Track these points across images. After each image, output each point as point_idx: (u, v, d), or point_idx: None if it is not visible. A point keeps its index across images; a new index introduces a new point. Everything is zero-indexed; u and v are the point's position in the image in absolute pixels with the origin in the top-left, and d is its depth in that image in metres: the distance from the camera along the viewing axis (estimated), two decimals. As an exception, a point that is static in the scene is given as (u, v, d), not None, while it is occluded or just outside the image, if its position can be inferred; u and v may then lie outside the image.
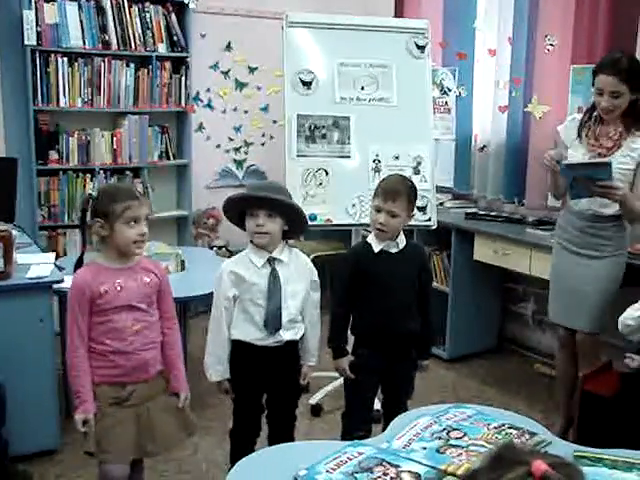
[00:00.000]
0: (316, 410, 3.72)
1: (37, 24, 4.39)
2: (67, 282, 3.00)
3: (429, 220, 4.03)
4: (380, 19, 4.39)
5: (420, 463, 1.80)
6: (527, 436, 1.98)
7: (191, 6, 4.92)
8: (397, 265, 2.72)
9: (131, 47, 4.76)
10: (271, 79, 5.32)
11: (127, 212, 2.31)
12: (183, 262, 3.74)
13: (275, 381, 2.67)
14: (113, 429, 2.35)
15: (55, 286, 3.11)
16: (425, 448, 1.89)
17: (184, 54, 4.98)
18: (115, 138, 4.83)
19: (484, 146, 4.75)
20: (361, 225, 3.85)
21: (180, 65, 5.00)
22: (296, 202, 2.76)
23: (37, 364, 3.05)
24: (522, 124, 4.47)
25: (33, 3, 4.38)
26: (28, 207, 4.51)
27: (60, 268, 3.25)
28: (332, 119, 3.92)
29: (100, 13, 4.65)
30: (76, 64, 4.60)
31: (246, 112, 5.49)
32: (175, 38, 4.93)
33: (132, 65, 4.80)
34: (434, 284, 4.54)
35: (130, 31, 4.75)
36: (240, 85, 5.45)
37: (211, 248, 5.16)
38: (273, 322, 2.58)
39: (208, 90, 5.33)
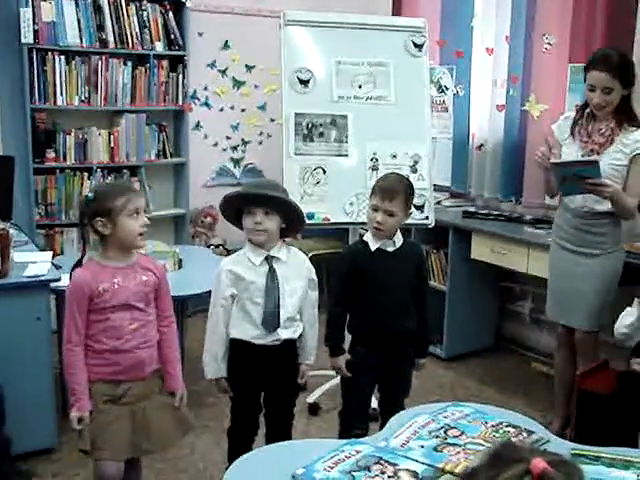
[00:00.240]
0: (314, 409, 3.72)
1: (34, 22, 4.38)
2: (64, 281, 3.00)
3: (427, 219, 4.03)
4: (378, 17, 4.38)
5: (418, 461, 1.80)
6: (525, 434, 1.98)
7: (188, 4, 4.91)
8: (394, 264, 2.72)
9: (128, 45, 4.75)
10: (268, 77, 5.31)
11: (128, 205, 2.33)
12: (180, 261, 3.74)
13: (273, 380, 2.66)
14: (108, 427, 2.35)
15: (52, 285, 3.10)
16: (423, 446, 1.89)
17: (181, 52, 4.97)
18: (112, 136, 4.82)
19: (482, 145, 4.75)
20: (359, 224, 3.85)
21: (177, 63, 5.00)
22: (293, 200, 2.76)
23: (34, 363, 3.04)
24: (519, 123, 4.48)
25: (30, 1, 4.36)
26: (25, 205, 4.50)
27: (57, 266, 3.25)
28: (330, 117, 3.92)
29: (97, 11, 4.64)
30: (73, 62, 4.59)
31: (243, 110, 5.49)
32: (172, 36, 4.92)
33: (129, 63, 4.78)
34: (431, 283, 4.56)
35: (127, 29, 4.74)
36: (237, 83, 5.44)
37: (208, 247, 5.15)
38: (271, 320, 2.58)
39: (205, 88, 5.32)
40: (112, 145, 4.82)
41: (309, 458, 1.80)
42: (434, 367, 4.40)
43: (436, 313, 4.49)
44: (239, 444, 2.64)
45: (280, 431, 2.70)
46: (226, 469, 1.92)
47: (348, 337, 2.84)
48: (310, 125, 3.89)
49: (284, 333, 2.62)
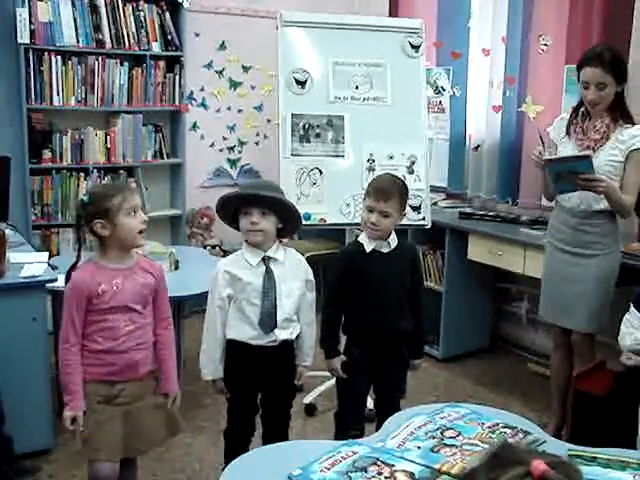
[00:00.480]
0: (310, 410, 3.72)
1: (30, 22, 4.37)
2: (60, 281, 2.99)
3: (423, 219, 4.03)
4: (374, 19, 4.38)
5: (414, 462, 1.81)
6: (521, 435, 1.99)
7: (185, 5, 4.91)
8: (389, 264, 2.72)
9: (125, 46, 4.74)
10: (265, 78, 5.32)
11: (125, 203, 2.32)
12: (177, 261, 3.73)
13: (270, 381, 2.66)
14: (102, 427, 2.35)
15: (48, 285, 3.10)
16: (419, 447, 1.89)
17: (178, 53, 4.97)
18: (109, 137, 4.82)
19: (478, 146, 4.76)
20: (355, 225, 3.85)
21: (174, 64, 5.00)
22: (289, 200, 2.76)
23: (30, 363, 3.04)
24: (516, 124, 4.48)
25: (26, 1, 4.35)
26: (21, 206, 4.49)
27: (53, 267, 3.24)
28: (326, 118, 3.92)
29: (94, 12, 4.63)
30: (70, 63, 4.59)
31: (240, 111, 5.49)
32: (169, 37, 4.93)
33: (126, 64, 4.78)
34: (428, 283, 4.57)
35: (124, 30, 4.73)
36: (234, 84, 5.44)
37: (205, 247, 5.15)
38: (268, 321, 2.58)
39: (202, 89, 5.32)
40: (109, 146, 4.82)
41: (306, 459, 1.80)
42: (430, 367, 4.40)
43: (432, 314, 4.49)
44: (236, 445, 2.64)
45: (276, 432, 2.69)
46: (222, 470, 1.92)
47: (343, 338, 2.84)
48: (307, 126, 3.89)
49: (281, 334, 2.62)
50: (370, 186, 2.73)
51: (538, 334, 4.58)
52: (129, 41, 4.75)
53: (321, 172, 3.87)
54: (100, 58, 4.67)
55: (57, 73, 4.55)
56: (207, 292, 2.68)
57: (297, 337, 2.70)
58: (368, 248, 2.71)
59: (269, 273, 2.59)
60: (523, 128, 4.43)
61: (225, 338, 2.62)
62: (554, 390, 3.51)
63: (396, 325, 2.73)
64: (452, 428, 2.01)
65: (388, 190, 2.66)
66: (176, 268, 3.71)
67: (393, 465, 1.79)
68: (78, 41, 4.58)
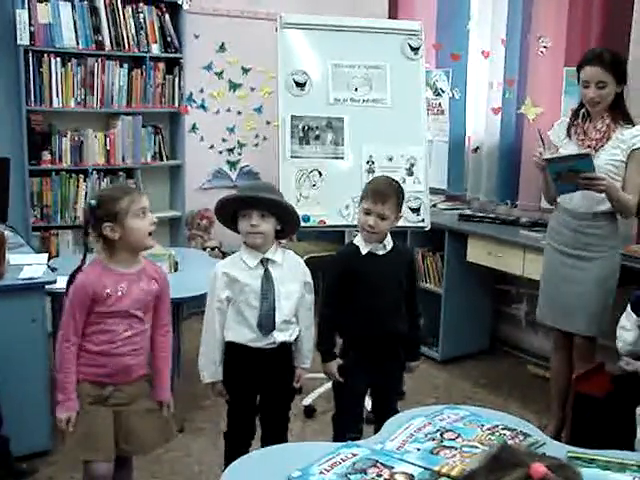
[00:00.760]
0: (309, 411, 3.72)
1: (30, 24, 4.38)
2: (60, 283, 2.99)
3: (422, 221, 4.04)
4: (374, 20, 4.39)
5: (414, 464, 1.80)
6: (521, 437, 1.98)
7: (185, 7, 4.91)
8: (385, 266, 2.71)
9: (124, 48, 4.75)
10: (265, 80, 5.32)
11: (133, 205, 2.31)
12: (176, 263, 3.73)
13: (269, 383, 2.66)
14: (96, 427, 2.34)
15: (48, 287, 3.09)
16: (419, 449, 1.89)
17: (178, 55, 4.97)
18: (108, 139, 4.82)
19: (477, 147, 4.76)
20: (354, 226, 3.82)
21: (174, 66, 5.00)
22: (288, 202, 2.76)
23: (29, 365, 3.04)
24: (515, 126, 4.49)
25: (26, 3, 4.36)
26: (21, 208, 4.49)
27: (53, 269, 3.24)
28: (326, 120, 3.93)
29: (94, 13, 4.64)
30: (69, 64, 4.59)
31: (240, 113, 5.49)
32: (169, 39, 4.93)
33: (125, 66, 4.79)
34: (427, 285, 4.57)
35: (124, 32, 4.73)
36: (234, 86, 5.44)
37: (204, 249, 5.15)
38: (266, 323, 2.58)
39: (202, 91, 5.32)
40: (108, 147, 4.82)
41: (305, 461, 1.80)
42: (429, 369, 4.40)
43: (432, 315, 4.50)
44: (236, 447, 2.63)
45: (275, 434, 2.69)
46: (222, 472, 1.92)
47: (339, 341, 2.84)
48: (306, 128, 3.90)
49: (280, 336, 2.61)
50: (367, 188, 2.72)
51: (537, 336, 4.58)
52: (129, 43, 4.76)
53: (320, 174, 3.88)
54: (100, 60, 4.68)
55: (57, 75, 4.55)
56: (206, 294, 2.68)
57: (296, 339, 2.70)
58: (364, 250, 2.70)
59: (267, 275, 2.59)
60: (522, 130, 4.43)
61: (224, 340, 2.62)
62: (554, 392, 3.51)
63: (392, 327, 2.72)
64: (452, 430, 2.01)
65: (386, 192, 2.66)
66: (175, 270, 3.71)
67: (392, 467, 1.78)
68: (78, 43, 4.58)
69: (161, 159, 5.11)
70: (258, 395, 2.71)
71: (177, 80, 5.01)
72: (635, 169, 3.09)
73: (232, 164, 5.55)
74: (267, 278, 2.59)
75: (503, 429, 2.02)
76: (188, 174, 5.18)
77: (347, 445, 1.93)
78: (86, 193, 4.77)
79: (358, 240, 2.74)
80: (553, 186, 3.20)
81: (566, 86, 4.05)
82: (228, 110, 5.45)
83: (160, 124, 5.11)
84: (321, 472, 1.75)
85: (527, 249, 3.87)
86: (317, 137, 3.91)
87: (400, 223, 3.73)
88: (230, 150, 5.52)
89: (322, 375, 2.94)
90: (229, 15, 5.31)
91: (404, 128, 4.03)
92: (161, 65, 4.94)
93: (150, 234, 2.38)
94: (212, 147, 5.44)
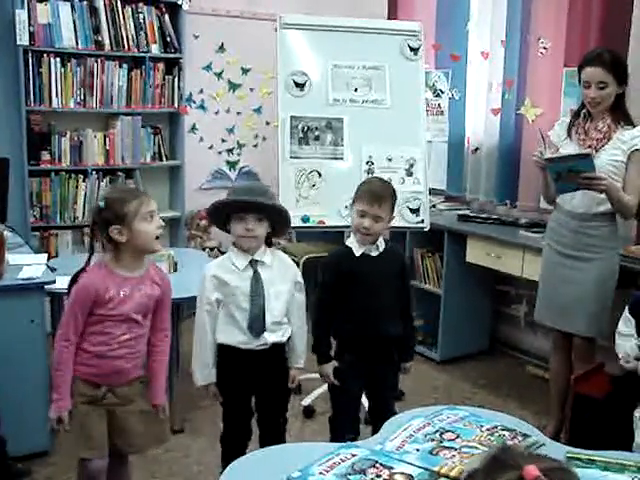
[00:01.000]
0: (308, 412, 3.71)
1: (29, 24, 4.38)
2: (59, 283, 2.99)
3: (422, 222, 4.03)
4: (373, 21, 4.39)
5: (413, 465, 1.80)
6: (520, 438, 1.98)
7: (184, 7, 4.91)
8: (379, 267, 2.71)
9: (124, 48, 4.75)
10: (264, 80, 5.33)
11: (142, 208, 2.30)
12: (175, 263, 3.73)
13: (263, 384, 2.66)
14: (90, 425, 2.34)
15: (47, 287, 3.09)
16: (418, 450, 1.89)
17: (177, 55, 4.97)
18: (108, 139, 4.82)
19: (477, 148, 4.76)
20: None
21: (173, 66, 5.00)
22: (282, 204, 2.76)
23: (29, 365, 3.03)
24: (515, 126, 4.49)
25: (25, 3, 4.36)
26: (20, 208, 4.49)
27: (52, 269, 3.24)
28: (325, 121, 3.93)
29: (93, 13, 4.64)
30: (69, 64, 4.59)
31: (239, 113, 5.49)
32: (168, 39, 4.93)
33: (125, 66, 4.79)
34: (427, 286, 4.58)
35: (123, 32, 4.74)
36: (233, 86, 5.45)
37: (204, 249, 5.15)
38: (257, 325, 2.57)
39: (201, 91, 5.32)
40: (107, 147, 4.82)
41: (304, 461, 1.80)
42: (429, 370, 4.41)
43: (431, 316, 4.51)
44: (232, 450, 2.61)
45: (274, 435, 2.68)
46: (220, 474, 1.92)
47: (334, 344, 2.83)
48: (306, 128, 3.90)
49: (271, 337, 2.61)
50: (361, 190, 2.70)
51: (537, 337, 4.58)
52: (128, 43, 4.76)
53: (320, 174, 3.88)
54: (99, 60, 4.68)
55: (56, 75, 4.55)
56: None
57: (289, 339, 2.70)
58: (357, 252, 2.70)
59: (257, 277, 2.59)
60: (522, 131, 4.43)
61: (215, 342, 2.61)
62: (553, 393, 3.51)
63: (387, 328, 2.72)
64: (451, 430, 2.01)
65: (381, 194, 2.66)
66: (175, 270, 3.71)
67: (392, 467, 1.78)
68: (77, 43, 4.59)
69: (160, 159, 5.11)
70: (253, 397, 2.71)
71: (176, 80, 5.00)
72: (635, 170, 3.09)
73: (231, 164, 5.55)
74: (256, 280, 2.59)
75: (502, 430, 2.02)
76: (187, 174, 5.18)
77: (346, 446, 1.93)
78: (85, 193, 4.77)
79: (351, 242, 2.73)
80: (553, 185, 3.20)
81: (565, 87, 4.06)
82: (227, 110, 5.45)
83: (159, 124, 5.11)
84: (320, 472, 1.75)
85: (526, 250, 3.87)
86: (316, 138, 3.91)
87: (399, 223, 3.75)
88: (229, 150, 5.52)
89: (319, 376, 2.94)
90: (229, 15, 5.31)
91: (403, 129, 4.03)
92: (160, 65, 4.94)
93: (157, 238, 2.37)
94: (211, 147, 5.44)
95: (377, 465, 1.79)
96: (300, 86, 3.93)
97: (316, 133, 3.90)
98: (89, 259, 2.40)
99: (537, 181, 3.65)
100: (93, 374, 2.35)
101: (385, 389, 2.84)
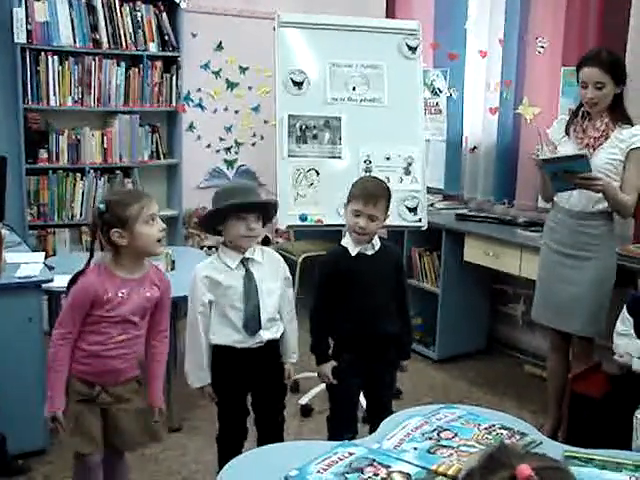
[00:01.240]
0: (306, 410, 3.71)
1: (27, 22, 4.38)
2: (57, 282, 2.99)
3: (420, 221, 4.04)
4: (372, 20, 4.39)
5: (411, 463, 1.80)
6: (517, 437, 1.98)
7: (182, 5, 4.91)
8: (375, 266, 2.71)
9: (122, 46, 4.74)
10: (262, 79, 5.32)
11: (144, 211, 2.28)
12: (173, 262, 3.73)
13: (259, 382, 2.66)
14: (84, 422, 2.33)
15: (44, 285, 3.09)
16: (416, 448, 1.89)
17: (175, 53, 4.96)
18: (105, 137, 4.82)
19: (475, 147, 4.76)
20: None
21: (171, 64, 4.99)
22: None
23: (26, 363, 3.02)
24: (513, 126, 4.49)
25: (23, 1, 4.36)
26: (17, 206, 4.49)
27: (50, 267, 3.24)
28: (323, 119, 3.93)
29: (91, 12, 4.63)
30: (67, 63, 4.59)
31: (237, 112, 5.49)
32: (166, 37, 4.92)
33: (123, 64, 4.78)
34: (424, 285, 4.58)
35: (121, 30, 4.73)
36: (231, 85, 5.44)
37: (201, 248, 5.14)
38: (252, 323, 2.57)
39: (199, 90, 5.32)
40: (105, 146, 4.82)
41: (302, 460, 1.80)
42: (426, 369, 4.41)
43: (429, 315, 4.51)
44: (229, 450, 2.60)
45: (272, 434, 2.68)
46: (217, 473, 1.92)
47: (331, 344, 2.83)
48: (304, 127, 3.90)
49: (266, 334, 2.61)
50: (356, 190, 2.68)
51: (534, 336, 4.58)
52: (126, 41, 4.75)
53: (318, 173, 3.88)
54: (97, 58, 4.68)
55: (54, 73, 4.55)
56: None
57: (281, 335, 2.70)
58: (353, 252, 2.69)
59: (249, 275, 2.58)
60: (520, 130, 4.43)
61: (209, 344, 2.60)
62: (550, 391, 3.51)
63: (384, 326, 2.72)
64: (448, 429, 2.01)
65: (377, 194, 2.65)
66: (172, 268, 3.71)
67: (389, 466, 1.78)
68: (75, 41, 4.58)
69: (158, 158, 5.11)
70: (248, 396, 2.71)
71: (174, 79, 5.00)
72: (633, 169, 3.09)
73: (229, 163, 5.54)
74: (249, 278, 2.58)
75: (500, 428, 2.02)
76: (185, 173, 5.17)
77: (344, 444, 1.93)
78: (83, 192, 4.77)
79: (346, 241, 2.73)
80: (550, 185, 3.20)
81: (563, 86, 4.06)
82: (225, 109, 5.44)
83: (157, 123, 5.11)
84: (318, 471, 1.75)
85: (524, 249, 3.87)
86: (314, 136, 3.91)
87: (397, 222, 3.75)
88: (227, 149, 5.52)
89: (317, 375, 2.94)
90: (227, 14, 5.31)
91: (401, 127, 4.03)
92: (158, 64, 4.94)
93: (159, 241, 2.34)
94: (209, 146, 5.44)
95: (375, 464, 1.79)
96: (298, 85, 3.92)
97: (314, 132, 3.90)
98: (89, 261, 2.37)
99: (535, 180, 3.65)
100: (87, 372, 2.35)
101: (383, 388, 2.84)
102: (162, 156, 5.12)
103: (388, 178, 3.64)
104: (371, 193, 2.65)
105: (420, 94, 4.18)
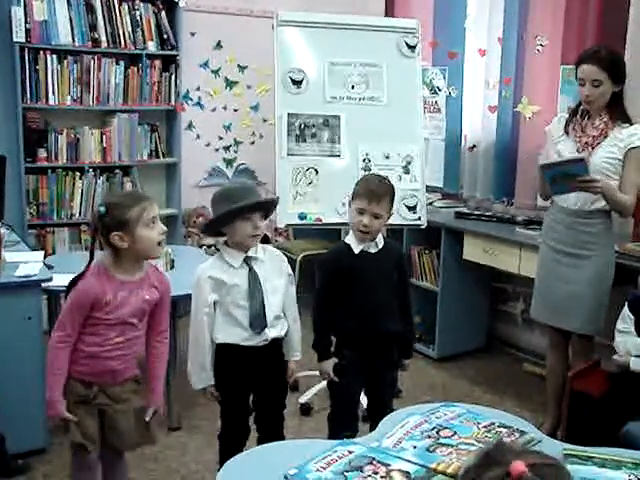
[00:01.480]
0: (306, 409, 3.72)
1: (26, 21, 4.37)
2: (56, 281, 2.99)
3: (419, 219, 4.04)
4: (371, 18, 4.39)
5: (410, 462, 1.80)
6: (517, 435, 1.99)
7: (181, 4, 4.90)
8: (378, 264, 2.71)
9: (121, 45, 4.74)
10: (261, 78, 5.30)
11: (144, 214, 2.26)
12: (172, 261, 3.73)
13: (262, 380, 2.66)
14: (82, 422, 2.33)
15: (44, 284, 3.09)
16: (415, 447, 1.89)
17: (174, 52, 4.96)
18: (104, 136, 4.81)
19: (474, 146, 4.76)
20: (351, 224, 3.85)
21: (170, 63, 4.99)
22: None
23: (25, 363, 3.02)
24: (512, 124, 4.49)
25: (22, 0, 4.35)
26: (17, 205, 4.48)
27: (49, 266, 3.24)
28: (322, 118, 3.93)
29: (90, 10, 4.62)
30: (65, 62, 4.58)
31: (236, 111, 5.48)
32: (165, 36, 4.92)
33: (122, 63, 4.78)
34: (423, 283, 4.58)
35: (120, 29, 4.73)
36: (230, 84, 5.44)
37: (201, 247, 5.13)
38: (259, 321, 2.57)
39: (198, 89, 5.31)
40: (104, 145, 4.81)
41: (302, 458, 1.80)
42: (426, 367, 4.41)
43: (428, 313, 4.50)
44: (231, 448, 2.60)
45: (272, 432, 2.68)
46: (218, 471, 1.92)
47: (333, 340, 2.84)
48: (303, 126, 3.90)
49: (272, 332, 2.61)
50: (360, 188, 2.69)
51: (534, 334, 4.58)
52: (125, 40, 4.75)
53: (317, 172, 3.88)
54: (96, 57, 4.67)
55: (53, 72, 4.54)
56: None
57: (285, 333, 2.69)
58: (356, 250, 2.70)
59: (253, 273, 2.58)
60: (519, 128, 4.43)
61: (215, 343, 2.60)
62: (550, 390, 3.51)
63: (386, 324, 2.72)
64: (448, 428, 2.01)
65: (380, 192, 2.65)
66: (172, 268, 3.71)
67: (389, 464, 1.79)
68: (74, 40, 4.57)
69: (157, 157, 5.11)
70: (251, 395, 2.70)
71: (173, 78, 5.00)
72: (632, 168, 3.09)
73: (228, 162, 5.54)
74: (253, 276, 2.58)
75: (499, 427, 2.03)
76: (184, 172, 5.17)
77: (344, 442, 1.93)
78: (82, 191, 4.77)
79: (350, 239, 2.73)
80: (549, 188, 3.21)
81: (562, 84, 4.06)
82: (224, 108, 5.44)
83: (156, 122, 5.10)
84: (318, 470, 1.75)
85: (523, 247, 3.87)
86: (313, 135, 3.91)
87: (397, 221, 3.75)
88: (226, 148, 5.52)
89: (318, 373, 2.94)
90: (225, 13, 5.30)
91: (400, 126, 4.03)
92: (157, 63, 4.93)
93: (159, 244, 2.33)
94: (208, 145, 5.44)
95: (374, 462, 1.80)
96: (297, 83, 3.92)
97: (313, 130, 3.90)
98: (88, 265, 2.36)
99: (534, 179, 3.65)
100: (85, 373, 2.34)
101: (384, 386, 2.84)
102: (161, 155, 5.12)
103: (387, 177, 3.63)
104: (375, 191, 2.65)
105: (419, 93, 4.18)
